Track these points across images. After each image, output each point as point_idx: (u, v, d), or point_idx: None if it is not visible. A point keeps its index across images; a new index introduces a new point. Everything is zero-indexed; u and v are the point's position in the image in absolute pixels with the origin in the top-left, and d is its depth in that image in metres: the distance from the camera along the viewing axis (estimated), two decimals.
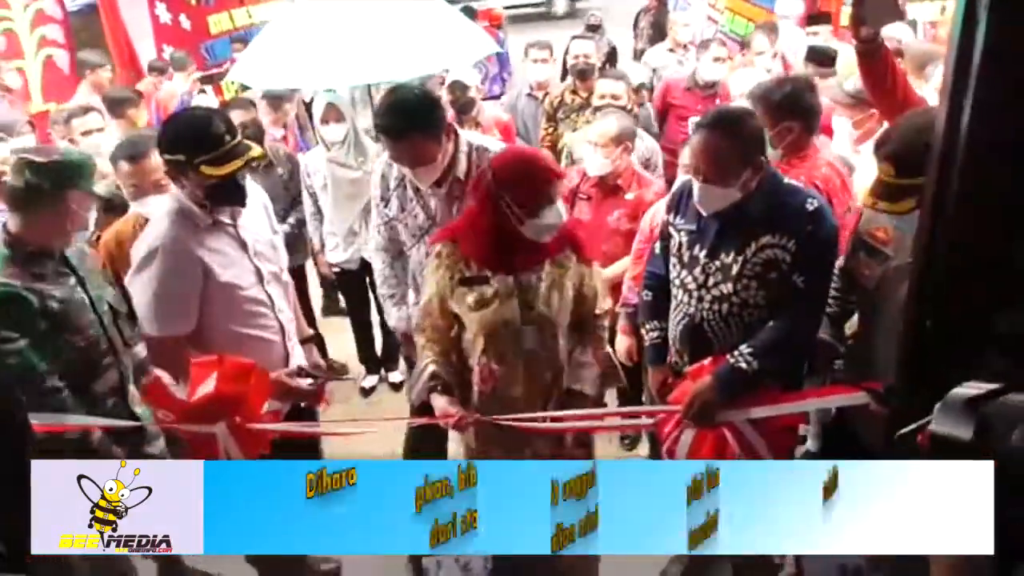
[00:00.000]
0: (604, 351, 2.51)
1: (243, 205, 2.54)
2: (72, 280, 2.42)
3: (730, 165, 2.21)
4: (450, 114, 4.76)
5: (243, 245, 2.56)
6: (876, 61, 2.68)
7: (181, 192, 2.46)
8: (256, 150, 2.51)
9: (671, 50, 6.50)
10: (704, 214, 2.33)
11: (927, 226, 1.18)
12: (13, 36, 7.11)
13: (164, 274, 2.39)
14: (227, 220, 2.54)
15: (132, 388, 2.63)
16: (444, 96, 4.95)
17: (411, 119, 2.52)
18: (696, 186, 2.29)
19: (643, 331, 2.64)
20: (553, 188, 2.25)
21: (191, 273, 2.42)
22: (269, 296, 2.62)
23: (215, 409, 2.31)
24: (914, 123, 2.08)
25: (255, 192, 2.73)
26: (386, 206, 2.81)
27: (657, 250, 2.61)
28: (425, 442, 3.00)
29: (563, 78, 5.87)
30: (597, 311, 2.46)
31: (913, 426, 0.91)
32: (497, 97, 6.72)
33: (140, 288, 2.43)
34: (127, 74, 7.28)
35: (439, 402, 2.35)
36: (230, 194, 2.48)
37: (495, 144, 2.86)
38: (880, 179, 2.11)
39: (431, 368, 2.38)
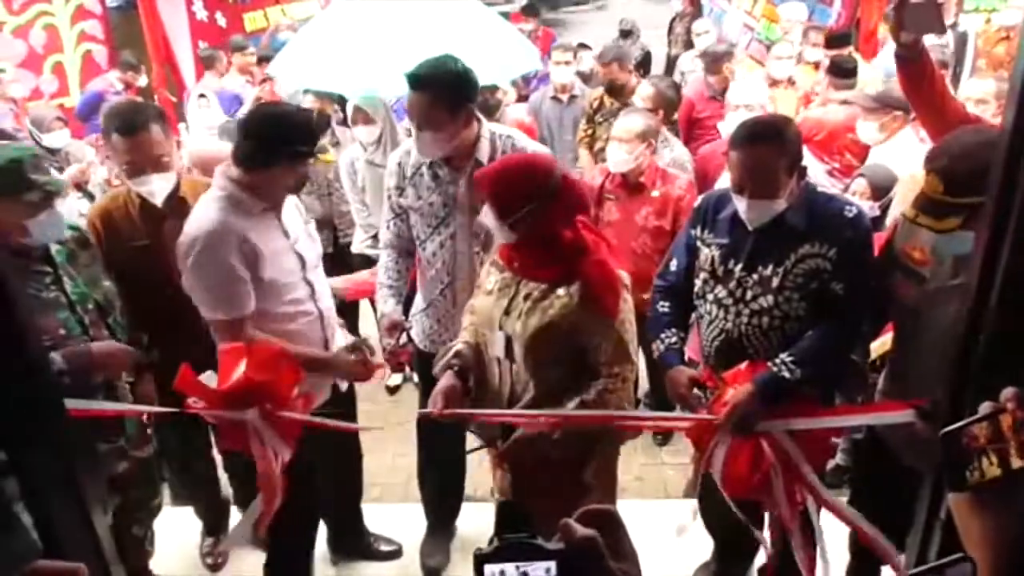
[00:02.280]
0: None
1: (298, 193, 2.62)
2: (48, 278, 2.38)
3: (775, 177, 2.18)
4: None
5: (286, 234, 2.55)
6: (916, 67, 2.64)
7: (230, 182, 2.40)
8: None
9: (700, 56, 6.50)
10: (750, 228, 2.28)
11: (986, 243, 1.16)
12: (53, 30, 7.25)
13: (222, 256, 2.34)
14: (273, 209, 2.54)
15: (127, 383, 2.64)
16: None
17: (435, 79, 2.49)
18: (742, 202, 2.24)
19: (658, 342, 2.50)
20: (493, 206, 2.17)
21: (247, 255, 2.38)
22: (310, 284, 2.61)
23: (245, 396, 2.32)
24: (969, 141, 2.00)
25: None
26: (400, 195, 2.75)
27: (674, 266, 2.53)
28: (441, 446, 3.04)
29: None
30: (603, 368, 2.19)
31: (959, 424, 0.89)
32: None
33: (198, 272, 2.36)
34: (163, 71, 7.38)
35: (443, 380, 2.32)
36: (303, 184, 2.58)
37: (520, 135, 2.81)
38: (925, 193, 2.02)
39: (458, 347, 2.36)
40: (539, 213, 2.13)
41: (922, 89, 2.68)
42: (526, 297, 2.22)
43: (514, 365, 2.29)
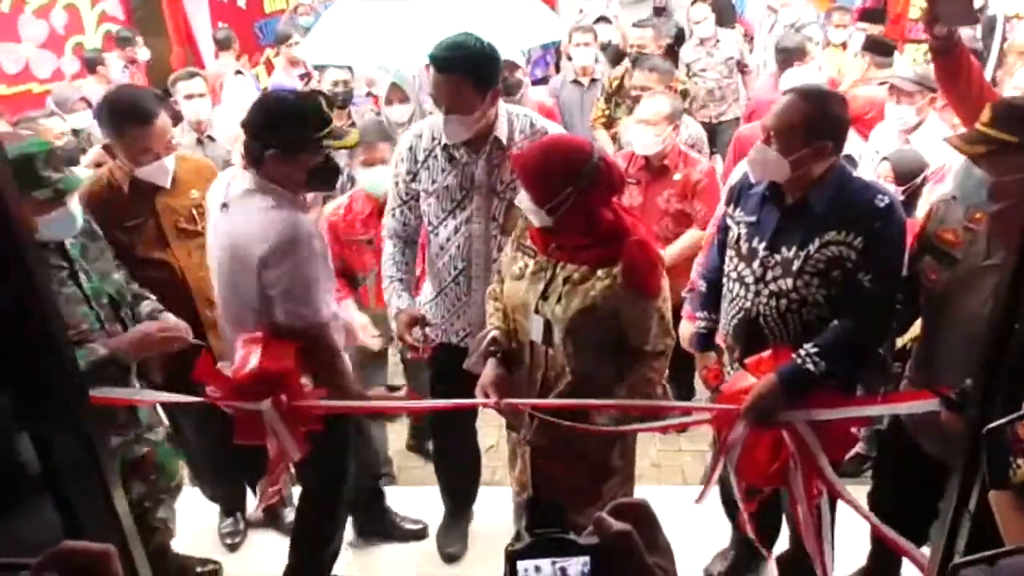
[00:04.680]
0: (644, 392, 2.30)
1: (333, 189, 2.54)
2: (64, 272, 2.33)
3: (790, 130, 2.17)
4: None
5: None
6: (950, 59, 2.60)
7: (268, 178, 2.31)
8: (355, 136, 2.45)
9: (699, 44, 6.30)
10: (752, 180, 2.30)
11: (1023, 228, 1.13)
12: (75, 11, 7.27)
13: (317, 254, 2.30)
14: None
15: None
16: None
17: (464, 59, 2.41)
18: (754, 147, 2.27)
19: (696, 319, 2.58)
20: (529, 194, 2.15)
21: (326, 254, 2.38)
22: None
23: (259, 387, 2.32)
24: None
25: None
26: (413, 179, 2.66)
27: (714, 245, 2.57)
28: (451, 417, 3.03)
29: (617, 61, 5.82)
30: (647, 347, 2.24)
31: (1002, 420, 0.86)
32: (543, 81, 6.66)
33: (301, 276, 2.28)
34: (184, 52, 7.38)
35: (489, 369, 2.31)
36: (330, 176, 2.44)
37: (537, 115, 2.76)
38: (976, 127, 2.07)
39: (493, 334, 2.35)
40: (579, 197, 2.12)
41: (958, 82, 2.64)
42: (565, 280, 2.21)
43: (550, 350, 2.28)
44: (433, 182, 2.64)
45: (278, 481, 2.53)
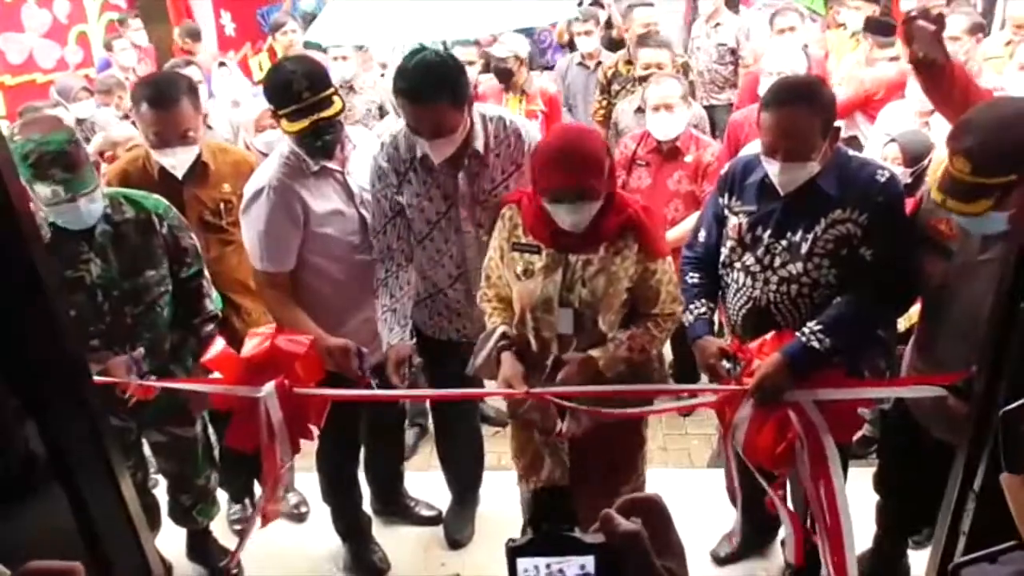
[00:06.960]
0: (644, 344, 2.31)
1: (328, 158, 2.56)
2: (84, 256, 2.36)
3: (809, 139, 2.13)
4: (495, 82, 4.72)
5: (350, 193, 2.61)
6: (932, 72, 2.43)
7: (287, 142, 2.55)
8: (332, 109, 2.45)
9: (706, 21, 6.11)
10: (782, 192, 2.24)
11: None
12: (77, 0, 7.23)
13: (267, 213, 2.49)
14: (335, 167, 2.58)
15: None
16: (478, 63, 4.88)
17: (440, 85, 2.30)
18: (775, 166, 2.19)
19: (687, 313, 2.47)
20: (574, 187, 2.09)
21: (292, 214, 2.50)
22: (371, 247, 2.64)
23: (267, 367, 2.33)
24: (996, 116, 1.91)
25: (371, 143, 2.75)
26: (398, 192, 2.54)
27: (702, 237, 2.50)
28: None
29: (612, 47, 5.76)
30: (655, 310, 2.30)
31: (1018, 403, 0.85)
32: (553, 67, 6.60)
33: (247, 224, 2.57)
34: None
35: (508, 363, 2.28)
36: (314, 146, 2.50)
37: (508, 113, 2.69)
38: (952, 175, 1.93)
39: (501, 329, 2.33)
40: (609, 177, 2.18)
41: (941, 90, 2.49)
42: (585, 264, 2.23)
43: (577, 339, 2.27)
44: (416, 196, 2.55)
45: (274, 498, 2.53)
